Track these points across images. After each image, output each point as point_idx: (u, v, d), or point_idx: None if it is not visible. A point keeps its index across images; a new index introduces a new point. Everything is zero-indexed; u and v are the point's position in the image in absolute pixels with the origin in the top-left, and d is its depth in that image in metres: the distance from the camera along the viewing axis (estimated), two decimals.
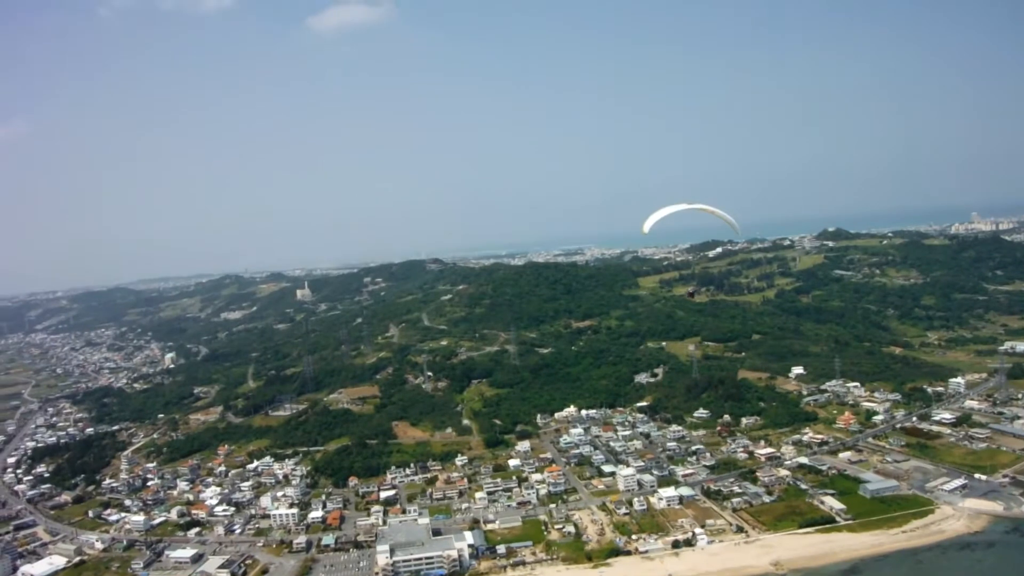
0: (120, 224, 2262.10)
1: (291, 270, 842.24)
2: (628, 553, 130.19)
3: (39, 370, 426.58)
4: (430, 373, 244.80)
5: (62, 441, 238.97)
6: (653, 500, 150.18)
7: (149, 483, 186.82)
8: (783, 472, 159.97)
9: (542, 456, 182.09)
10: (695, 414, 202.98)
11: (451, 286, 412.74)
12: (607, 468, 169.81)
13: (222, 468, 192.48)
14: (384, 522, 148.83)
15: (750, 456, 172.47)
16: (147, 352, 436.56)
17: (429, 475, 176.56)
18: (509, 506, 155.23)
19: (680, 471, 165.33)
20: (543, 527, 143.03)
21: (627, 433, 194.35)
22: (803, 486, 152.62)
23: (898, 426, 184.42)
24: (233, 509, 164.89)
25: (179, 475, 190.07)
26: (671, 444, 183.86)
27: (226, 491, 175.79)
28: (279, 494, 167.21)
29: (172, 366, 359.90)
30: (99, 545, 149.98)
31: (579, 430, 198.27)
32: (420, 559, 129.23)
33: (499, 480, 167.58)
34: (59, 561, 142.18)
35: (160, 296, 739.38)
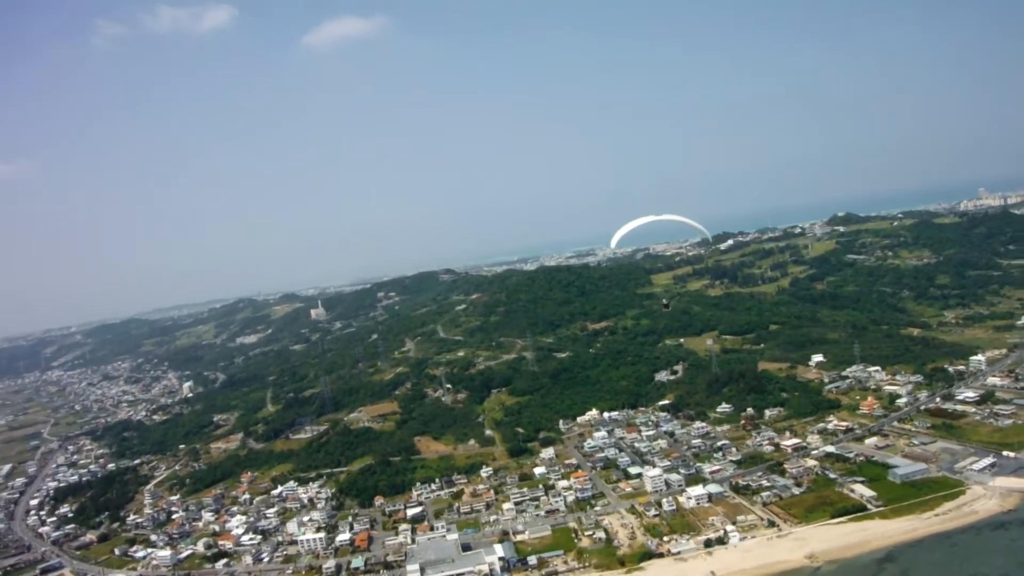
0: (131, 255, 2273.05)
1: (304, 289, 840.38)
2: (661, 555, 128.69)
3: (57, 408, 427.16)
4: (449, 385, 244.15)
5: (84, 479, 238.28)
6: (682, 499, 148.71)
7: (174, 516, 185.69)
8: (811, 462, 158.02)
9: (567, 462, 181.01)
10: (718, 409, 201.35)
11: (465, 296, 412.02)
12: (633, 470, 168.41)
13: (246, 496, 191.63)
14: (412, 540, 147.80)
15: (776, 448, 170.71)
16: (165, 382, 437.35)
17: (455, 489, 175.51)
18: (537, 515, 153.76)
19: (707, 468, 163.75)
20: (573, 534, 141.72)
21: (651, 433, 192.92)
22: (832, 475, 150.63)
23: (922, 408, 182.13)
24: (260, 537, 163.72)
25: (203, 506, 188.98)
26: (696, 441, 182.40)
27: (252, 519, 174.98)
28: (305, 519, 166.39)
29: (190, 395, 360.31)
30: None
31: (603, 433, 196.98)
32: None
33: (526, 489, 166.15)
34: None
35: (175, 324, 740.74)
